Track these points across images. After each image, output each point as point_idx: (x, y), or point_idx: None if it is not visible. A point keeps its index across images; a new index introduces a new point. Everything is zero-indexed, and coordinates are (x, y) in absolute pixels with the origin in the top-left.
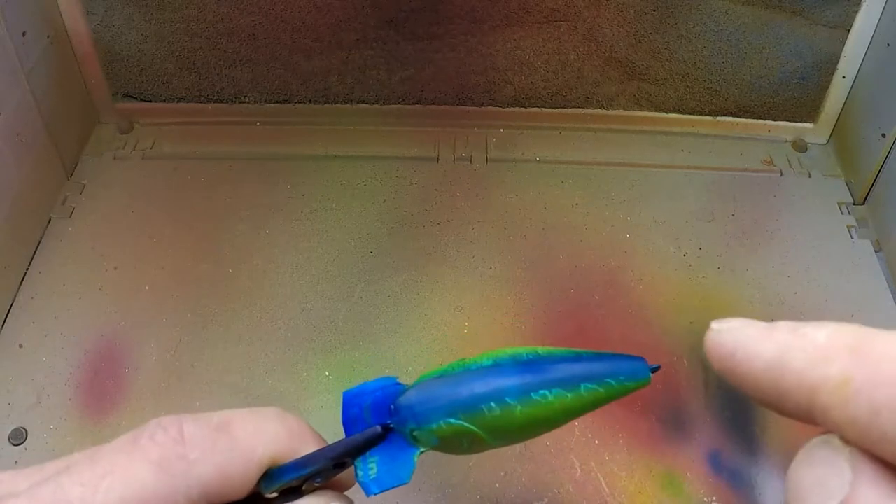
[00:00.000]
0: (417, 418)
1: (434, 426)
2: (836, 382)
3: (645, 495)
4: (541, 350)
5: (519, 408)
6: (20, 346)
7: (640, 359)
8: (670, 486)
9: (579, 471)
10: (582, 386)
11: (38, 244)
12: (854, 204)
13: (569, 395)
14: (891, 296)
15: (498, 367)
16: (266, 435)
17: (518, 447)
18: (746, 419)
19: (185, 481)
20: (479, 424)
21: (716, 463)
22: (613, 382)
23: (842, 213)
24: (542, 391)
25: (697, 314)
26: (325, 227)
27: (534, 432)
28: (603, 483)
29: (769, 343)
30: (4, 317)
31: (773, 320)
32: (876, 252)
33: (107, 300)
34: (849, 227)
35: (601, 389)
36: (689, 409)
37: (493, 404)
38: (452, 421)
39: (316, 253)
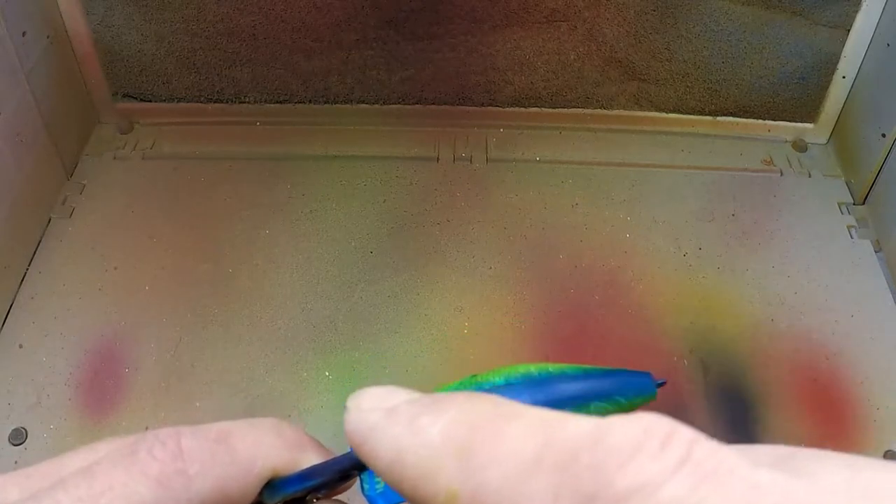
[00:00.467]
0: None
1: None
2: (444, 499)
3: None
4: (551, 367)
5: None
6: (20, 346)
7: (647, 374)
8: None
9: None
10: (592, 404)
11: (38, 244)
12: (854, 204)
13: (579, 413)
14: (891, 296)
15: (510, 386)
16: (265, 446)
17: None
18: (746, 419)
19: (186, 496)
20: None
21: None
22: (622, 399)
23: (842, 213)
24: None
25: (697, 314)
26: (325, 227)
27: None
28: None
29: (386, 439)
30: (4, 317)
31: (772, 320)
32: (876, 252)
33: (107, 300)
34: (849, 227)
35: (610, 407)
36: (689, 409)
37: None
38: None
39: (316, 253)
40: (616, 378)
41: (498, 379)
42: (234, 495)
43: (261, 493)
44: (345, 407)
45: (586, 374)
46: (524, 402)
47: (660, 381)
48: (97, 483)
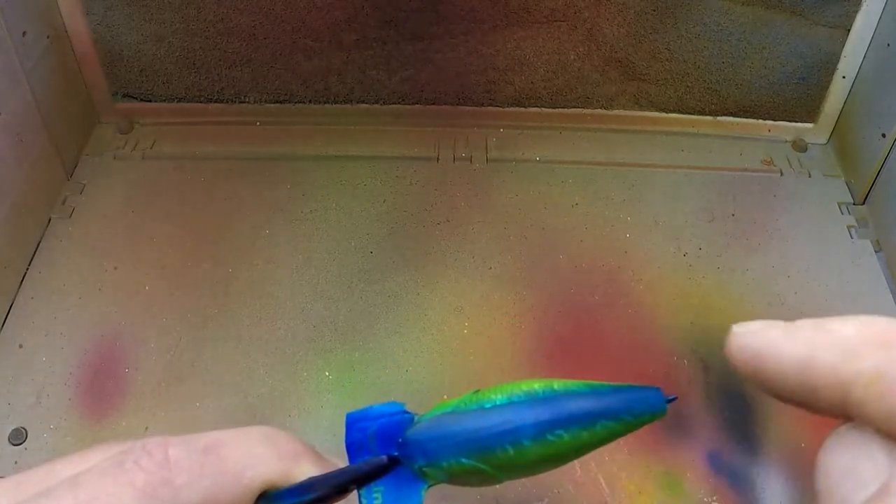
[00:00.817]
0: (428, 455)
1: (445, 464)
2: (870, 377)
3: (645, 495)
4: (556, 384)
5: (534, 448)
6: (20, 346)
7: (656, 389)
8: (670, 486)
9: (579, 471)
10: (599, 423)
11: (38, 244)
12: (854, 204)
13: (584, 432)
14: (891, 296)
15: (512, 405)
16: (257, 457)
17: None
18: (746, 419)
19: None
20: (492, 464)
21: (716, 463)
22: (630, 417)
23: (842, 213)
24: (558, 431)
25: (697, 314)
26: (325, 227)
27: (545, 468)
28: (603, 483)
29: (796, 342)
30: (4, 317)
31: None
32: (876, 252)
33: (107, 300)
34: (849, 227)
35: (617, 425)
36: (689, 409)
37: (507, 446)
38: (465, 461)
39: (316, 253)
40: (624, 395)
41: (500, 397)
42: None
43: None
44: (731, 332)
45: (593, 392)
46: (527, 422)
47: (670, 397)
48: (83, 493)
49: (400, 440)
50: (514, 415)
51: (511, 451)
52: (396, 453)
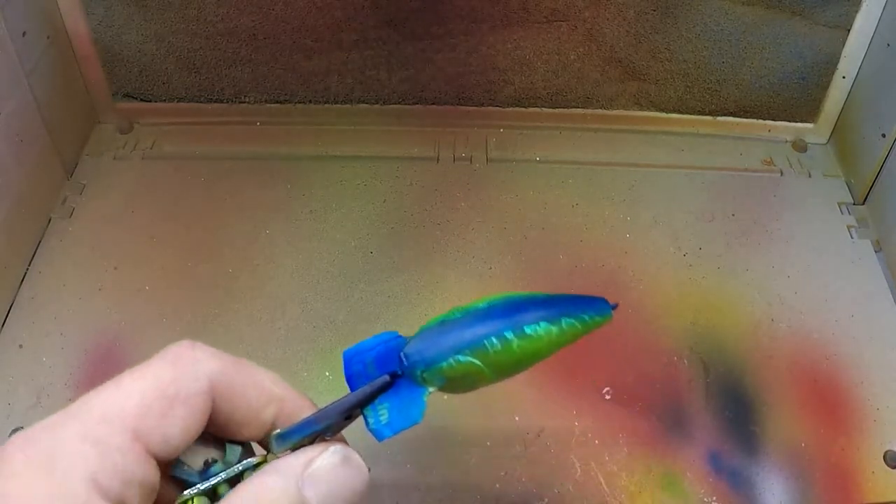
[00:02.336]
0: (427, 360)
1: (444, 364)
2: None
3: (645, 495)
4: (523, 293)
5: (516, 342)
6: (20, 346)
7: (602, 298)
8: (670, 486)
9: (579, 471)
10: (563, 320)
11: (38, 244)
12: (854, 204)
13: (553, 327)
14: (891, 296)
15: (493, 308)
16: (275, 385)
17: (518, 447)
18: (746, 419)
19: (194, 370)
20: (483, 360)
21: (716, 463)
22: (586, 317)
23: (842, 213)
24: (533, 325)
25: (697, 314)
26: (325, 227)
27: (525, 365)
28: (603, 483)
29: None
30: (4, 317)
31: (772, 320)
32: (876, 252)
33: (107, 300)
34: (849, 227)
35: (577, 323)
36: (689, 409)
37: (494, 340)
38: (461, 358)
39: (316, 253)
40: (579, 300)
41: (481, 304)
42: (242, 402)
43: (269, 446)
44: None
45: (555, 297)
46: (508, 319)
47: (613, 305)
48: (124, 375)
49: (402, 354)
50: (496, 315)
51: (498, 345)
52: (398, 370)
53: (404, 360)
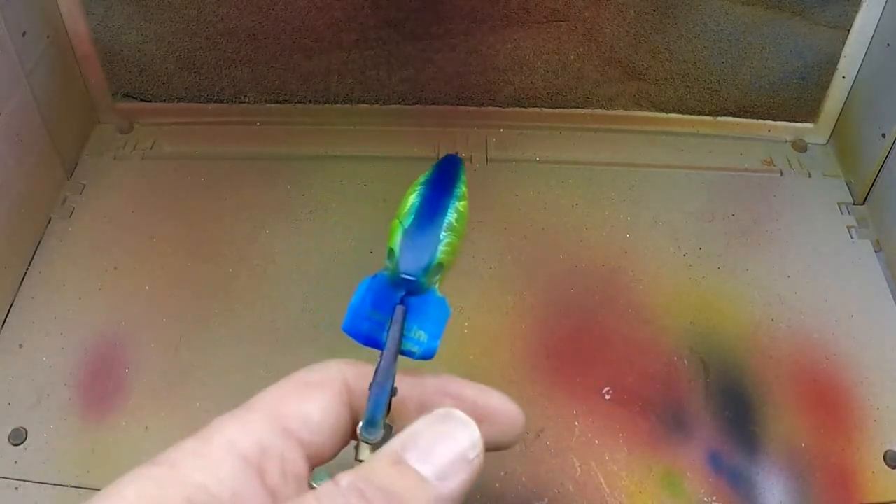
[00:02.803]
0: (426, 264)
1: (439, 255)
2: None
3: (645, 495)
4: (420, 182)
5: (460, 205)
6: (20, 346)
7: (453, 155)
8: (670, 486)
9: (579, 471)
10: (460, 183)
11: (38, 244)
12: (854, 204)
13: (462, 187)
14: (891, 296)
15: (425, 199)
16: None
17: (518, 447)
18: (746, 419)
19: (323, 365)
20: (455, 232)
21: (716, 463)
22: (462, 175)
23: (842, 213)
24: (456, 191)
25: (697, 314)
26: (325, 227)
27: (464, 226)
28: (603, 483)
29: None
30: (4, 317)
31: (772, 320)
32: (876, 252)
33: (107, 300)
34: (849, 227)
35: (459, 183)
36: (689, 409)
37: (452, 212)
38: (444, 241)
39: (316, 253)
40: (444, 166)
41: (413, 200)
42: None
43: (358, 438)
44: None
45: (436, 180)
46: (444, 199)
47: (457, 155)
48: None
49: (403, 275)
50: (434, 202)
51: (455, 215)
52: (403, 293)
53: (410, 278)
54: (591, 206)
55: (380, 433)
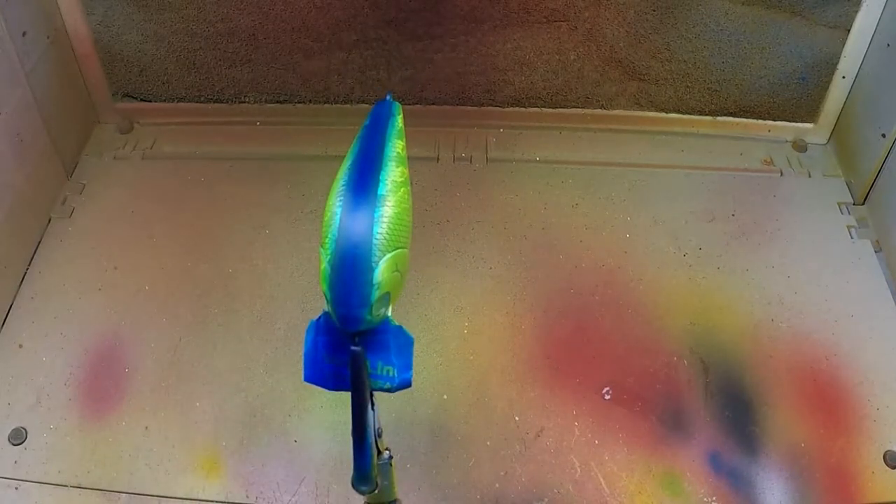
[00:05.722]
0: (364, 305)
1: (379, 279)
2: None
3: (645, 495)
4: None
5: (397, 172)
6: (20, 346)
7: (384, 100)
8: (670, 486)
9: (579, 471)
10: (388, 145)
11: (38, 244)
12: (854, 204)
13: (400, 140)
14: (891, 296)
15: (348, 200)
16: None
17: (518, 447)
18: (746, 419)
19: None
20: (397, 206)
21: (716, 463)
22: (399, 126)
23: (842, 213)
24: (386, 153)
25: (697, 314)
26: None
27: (409, 205)
28: (603, 483)
29: None
30: (4, 317)
31: (772, 320)
32: (876, 252)
33: (107, 300)
34: (849, 227)
35: (398, 127)
36: (689, 409)
37: (377, 231)
38: (378, 269)
39: (316, 253)
40: (378, 112)
41: (342, 180)
42: None
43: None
44: None
45: (372, 126)
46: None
47: (390, 98)
48: None
49: (338, 327)
50: (362, 188)
51: (383, 231)
52: (354, 345)
53: (345, 328)
54: (591, 206)
55: (374, 486)
